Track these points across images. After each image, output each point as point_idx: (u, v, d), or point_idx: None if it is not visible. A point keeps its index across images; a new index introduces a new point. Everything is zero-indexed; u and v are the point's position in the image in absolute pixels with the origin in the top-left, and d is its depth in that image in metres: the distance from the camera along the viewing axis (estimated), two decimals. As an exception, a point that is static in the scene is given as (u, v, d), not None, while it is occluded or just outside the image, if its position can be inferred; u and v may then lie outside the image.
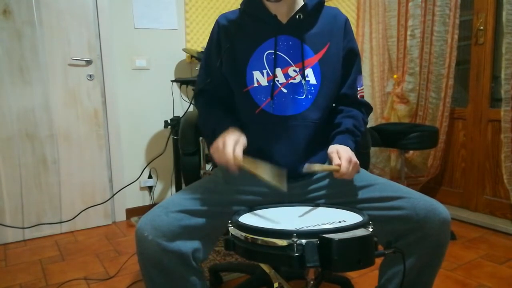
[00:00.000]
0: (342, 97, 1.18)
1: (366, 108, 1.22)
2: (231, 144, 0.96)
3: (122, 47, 2.54)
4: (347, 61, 1.16)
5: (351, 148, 1.07)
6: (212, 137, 1.08)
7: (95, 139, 2.48)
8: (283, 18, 1.12)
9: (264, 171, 0.93)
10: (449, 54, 2.41)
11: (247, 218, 0.93)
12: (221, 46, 1.16)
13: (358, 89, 1.20)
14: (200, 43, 2.75)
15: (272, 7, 1.12)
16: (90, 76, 2.43)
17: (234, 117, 1.17)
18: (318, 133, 1.13)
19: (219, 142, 0.98)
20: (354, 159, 1.02)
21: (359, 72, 1.21)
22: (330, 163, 1.03)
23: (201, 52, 2.41)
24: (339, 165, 0.98)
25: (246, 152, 1.03)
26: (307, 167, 0.97)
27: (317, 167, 0.99)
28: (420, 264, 1.01)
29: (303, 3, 1.13)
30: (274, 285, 1.07)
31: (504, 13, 2.07)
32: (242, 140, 1.01)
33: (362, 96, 1.21)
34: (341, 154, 1.01)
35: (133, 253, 2.06)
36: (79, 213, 2.45)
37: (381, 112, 2.79)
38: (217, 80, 1.18)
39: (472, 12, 2.39)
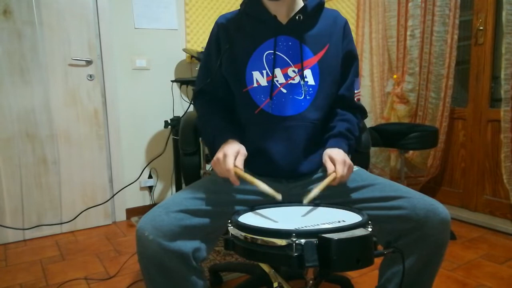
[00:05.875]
0: (339, 99, 1.19)
1: (361, 113, 1.24)
2: (232, 157, 0.98)
3: (122, 47, 2.54)
4: (346, 63, 1.17)
5: (344, 151, 1.08)
6: (211, 145, 1.10)
7: (95, 139, 2.48)
8: (283, 19, 1.12)
9: (261, 183, 0.95)
10: (449, 54, 2.41)
11: (246, 218, 0.93)
12: (221, 46, 1.16)
13: (355, 92, 1.21)
14: (200, 43, 2.75)
15: (272, 8, 1.12)
16: (90, 76, 2.43)
17: (234, 122, 1.17)
18: (317, 133, 1.13)
19: (219, 155, 1.00)
20: (348, 161, 1.03)
21: (357, 75, 1.22)
22: (325, 170, 1.04)
23: (201, 52, 2.41)
24: (334, 172, 0.99)
25: (246, 152, 1.05)
26: (307, 199, 0.96)
27: (314, 191, 0.96)
28: (420, 264, 1.01)
29: (303, 4, 1.14)
30: (274, 285, 1.07)
31: (504, 13, 2.07)
32: (242, 151, 1.02)
33: (359, 99, 1.22)
34: (335, 158, 1.02)
35: (133, 253, 2.06)
36: (80, 214, 2.45)
37: (381, 112, 2.79)
38: (217, 81, 1.18)
39: (472, 12, 2.39)
